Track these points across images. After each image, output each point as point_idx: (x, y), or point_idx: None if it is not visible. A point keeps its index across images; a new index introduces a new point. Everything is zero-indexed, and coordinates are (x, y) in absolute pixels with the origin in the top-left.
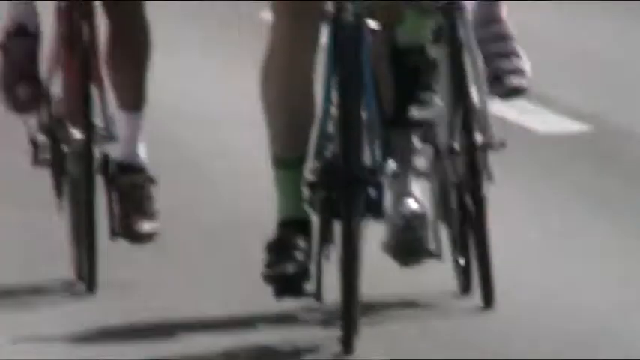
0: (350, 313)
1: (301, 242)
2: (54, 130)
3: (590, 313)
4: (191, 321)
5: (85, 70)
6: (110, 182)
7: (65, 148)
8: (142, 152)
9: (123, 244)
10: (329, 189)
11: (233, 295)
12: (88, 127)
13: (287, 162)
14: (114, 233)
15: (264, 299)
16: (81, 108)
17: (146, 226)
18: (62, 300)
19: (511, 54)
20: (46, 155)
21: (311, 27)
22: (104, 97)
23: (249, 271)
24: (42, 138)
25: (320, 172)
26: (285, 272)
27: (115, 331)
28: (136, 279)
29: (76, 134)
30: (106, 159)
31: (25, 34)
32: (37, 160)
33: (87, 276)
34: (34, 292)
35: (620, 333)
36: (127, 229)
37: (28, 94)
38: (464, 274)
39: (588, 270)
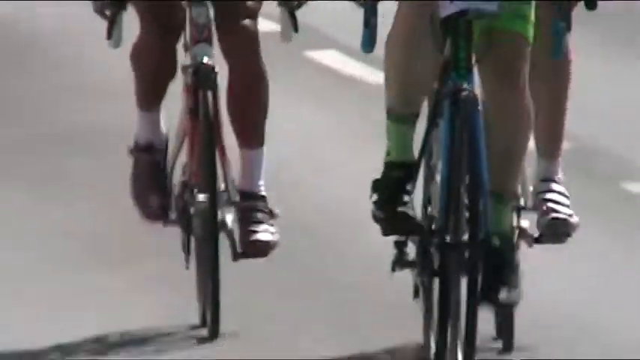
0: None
1: (407, 185)
2: (181, 193)
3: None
4: None
5: (209, 139)
6: (232, 242)
7: (191, 210)
8: (263, 187)
9: (242, 296)
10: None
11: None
12: (212, 191)
13: (400, 116)
14: (236, 256)
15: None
16: (205, 174)
17: (266, 236)
18: (186, 345)
19: (560, 203)
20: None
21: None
22: (226, 164)
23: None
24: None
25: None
26: (392, 210)
27: None
28: (255, 328)
29: (201, 197)
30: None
31: (151, 150)
32: (167, 221)
33: (210, 324)
34: (163, 335)
35: None
36: (248, 245)
37: (157, 204)
38: None
39: None
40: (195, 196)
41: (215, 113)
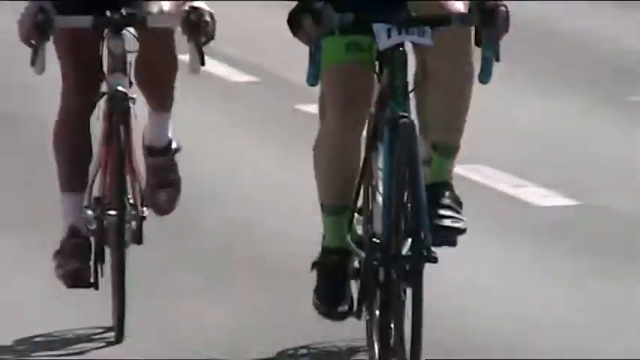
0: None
1: (345, 271)
2: (96, 208)
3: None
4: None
5: (120, 162)
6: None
7: (105, 223)
8: (169, 132)
9: (150, 301)
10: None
11: (266, 338)
12: (121, 207)
13: (334, 209)
14: (144, 204)
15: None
16: (116, 191)
17: (168, 202)
18: (95, 345)
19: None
20: (92, 227)
21: (361, 118)
22: (135, 183)
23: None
24: (89, 213)
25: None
26: (329, 296)
27: None
28: (161, 331)
29: (112, 212)
30: (139, 230)
31: (75, 235)
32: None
33: (116, 327)
34: (79, 337)
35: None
36: (155, 205)
37: (77, 272)
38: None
39: None
40: (107, 211)
41: (127, 137)
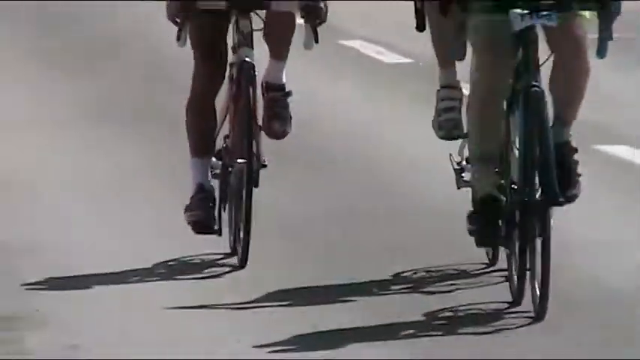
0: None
1: (497, 215)
2: (223, 156)
3: None
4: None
5: (249, 119)
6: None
7: (230, 169)
8: (284, 78)
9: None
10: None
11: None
12: (250, 155)
13: (484, 157)
14: (261, 128)
15: None
16: (245, 142)
17: (281, 128)
18: (220, 270)
19: None
20: (216, 172)
21: (508, 60)
22: (258, 138)
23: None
24: (214, 162)
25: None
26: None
27: (261, 298)
28: (279, 257)
29: (239, 160)
30: (257, 176)
31: (202, 191)
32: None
33: (241, 254)
34: (207, 264)
35: None
36: (269, 131)
37: (203, 220)
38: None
39: None
40: (235, 159)
41: (253, 99)
